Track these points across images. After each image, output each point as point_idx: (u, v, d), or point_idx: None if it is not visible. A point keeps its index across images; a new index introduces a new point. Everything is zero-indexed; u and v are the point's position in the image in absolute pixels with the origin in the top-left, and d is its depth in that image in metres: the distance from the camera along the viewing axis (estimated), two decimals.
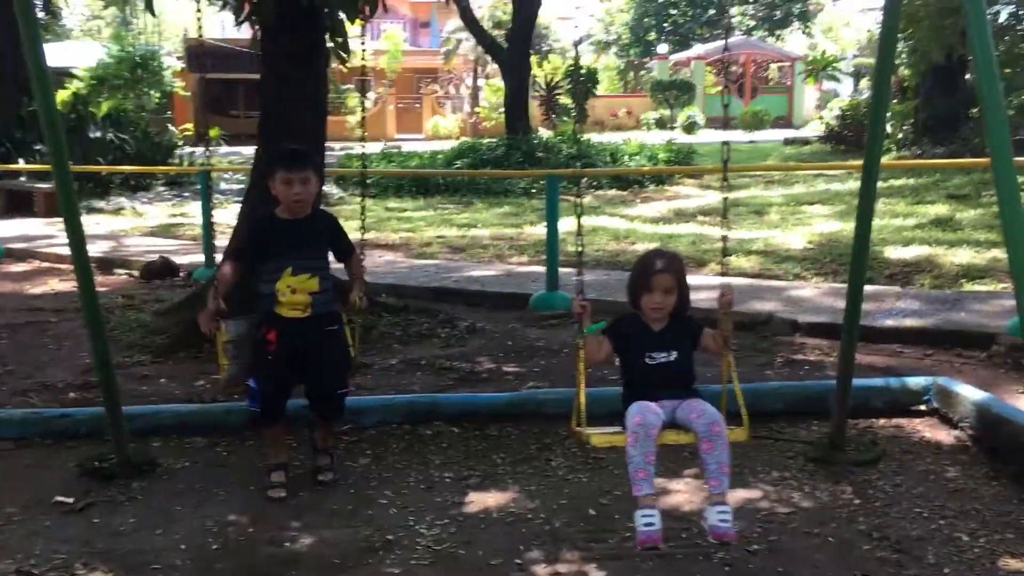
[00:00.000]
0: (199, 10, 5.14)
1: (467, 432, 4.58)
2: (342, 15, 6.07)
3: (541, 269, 8.02)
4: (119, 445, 4.12)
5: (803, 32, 51.77)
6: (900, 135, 20.54)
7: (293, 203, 3.91)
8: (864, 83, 32.28)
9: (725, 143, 3.34)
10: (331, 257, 4.08)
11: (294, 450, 4.31)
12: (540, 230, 10.17)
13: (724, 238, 3.37)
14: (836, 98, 31.80)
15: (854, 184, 11.92)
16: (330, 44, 6.46)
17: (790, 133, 29.48)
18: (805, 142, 25.11)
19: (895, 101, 20.60)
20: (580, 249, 3.41)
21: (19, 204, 14.89)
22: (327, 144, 6.65)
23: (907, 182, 14.83)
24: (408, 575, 3.20)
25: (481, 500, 3.82)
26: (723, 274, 3.34)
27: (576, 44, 3.82)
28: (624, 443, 3.02)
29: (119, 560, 3.33)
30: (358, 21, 6.71)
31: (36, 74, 3.67)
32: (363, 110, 4.42)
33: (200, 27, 5.18)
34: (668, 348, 3.23)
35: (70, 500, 3.84)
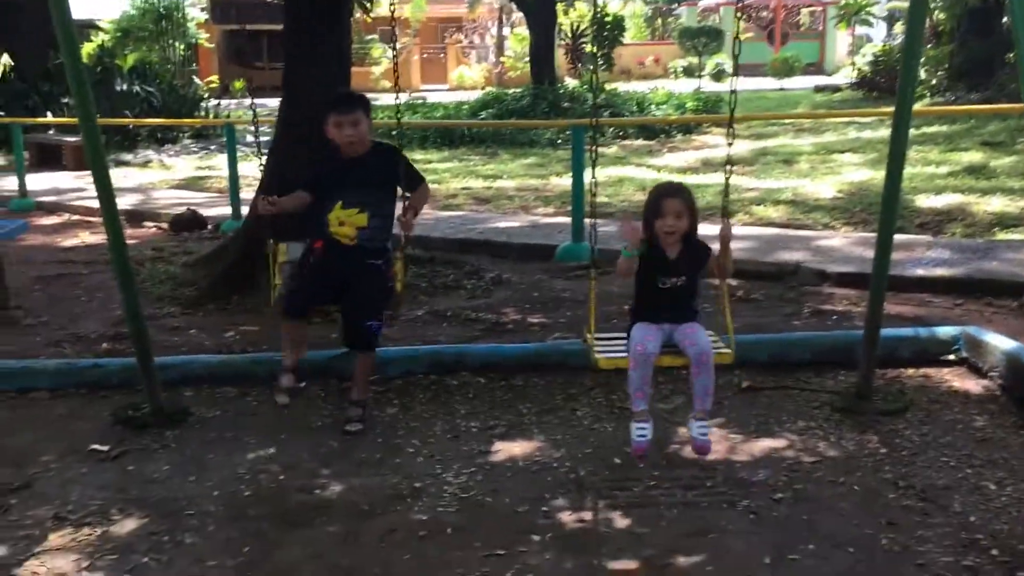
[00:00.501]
0: None
1: (493, 382, 4.61)
2: None
3: (567, 220, 7.99)
4: (151, 395, 4.19)
5: None
6: (934, 81, 20.13)
7: (347, 144, 4.11)
8: (898, 28, 31.53)
9: (732, 91, 3.63)
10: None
11: (323, 401, 4.36)
12: (566, 181, 10.12)
13: (726, 186, 3.75)
14: (869, 43, 31.15)
15: (886, 132, 11.73)
16: None
17: (821, 80, 28.98)
18: (836, 89, 24.68)
19: (929, 46, 20.14)
20: (594, 192, 3.80)
21: (48, 157, 15.01)
22: None
23: (940, 129, 14.56)
24: (435, 521, 3.25)
25: (507, 449, 3.85)
26: (724, 215, 3.72)
27: None
28: (627, 366, 3.51)
29: (153, 506, 3.41)
30: None
31: (61, 27, 3.67)
32: (395, 61, 4.40)
33: None
34: (679, 274, 3.61)
35: (105, 448, 3.92)
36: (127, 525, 3.28)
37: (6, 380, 4.64)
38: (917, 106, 5.21)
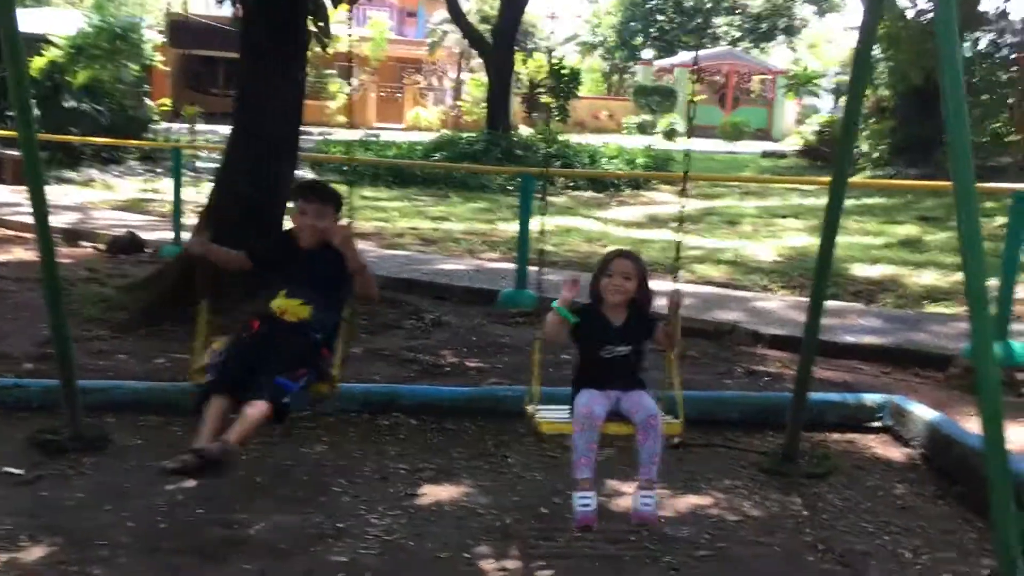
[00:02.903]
0: None
1: (425, 424, 4.58)
2: None
3: (511, 266, 8.03)
4: (72, 419, 4.07)
5: (788, 47, 52.13)
6: (876, 154, 20.75)
7: (304, 236, 3.99)
8: (843, 101, 32.61)
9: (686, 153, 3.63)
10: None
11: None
12: (513, 227, 10.17)
13: (677, 246, 3.52)
14: (816, 114, 32.10)
15: (827, 200, 12.01)
16: (312, 28, 6.44)
17: (769, 146, 29.72)
18: (782, 155, 25.33)
19: (873, 120, 20.80)
20: (543, 244, 3.68)
21: None
22: (304, 128, 6.61)
23: (879, 201, 15.00)
24: (356, 564, 3.19)
25: (434, 493, 3.82)
26: (674, 278, 3.60)
27: (550, 50, 3.88)
28: (570, 431, 3.29)
29: (65, 534, 3.29)
30: (343, 6, 6.70)
31: (7, 38, 3.61)
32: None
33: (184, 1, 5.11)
34: (624, 342, 3.46)
35: (19, 471, 3.79)
36: (35, 552, 3.17)
37: None
38: (858, 178, 5.38)
